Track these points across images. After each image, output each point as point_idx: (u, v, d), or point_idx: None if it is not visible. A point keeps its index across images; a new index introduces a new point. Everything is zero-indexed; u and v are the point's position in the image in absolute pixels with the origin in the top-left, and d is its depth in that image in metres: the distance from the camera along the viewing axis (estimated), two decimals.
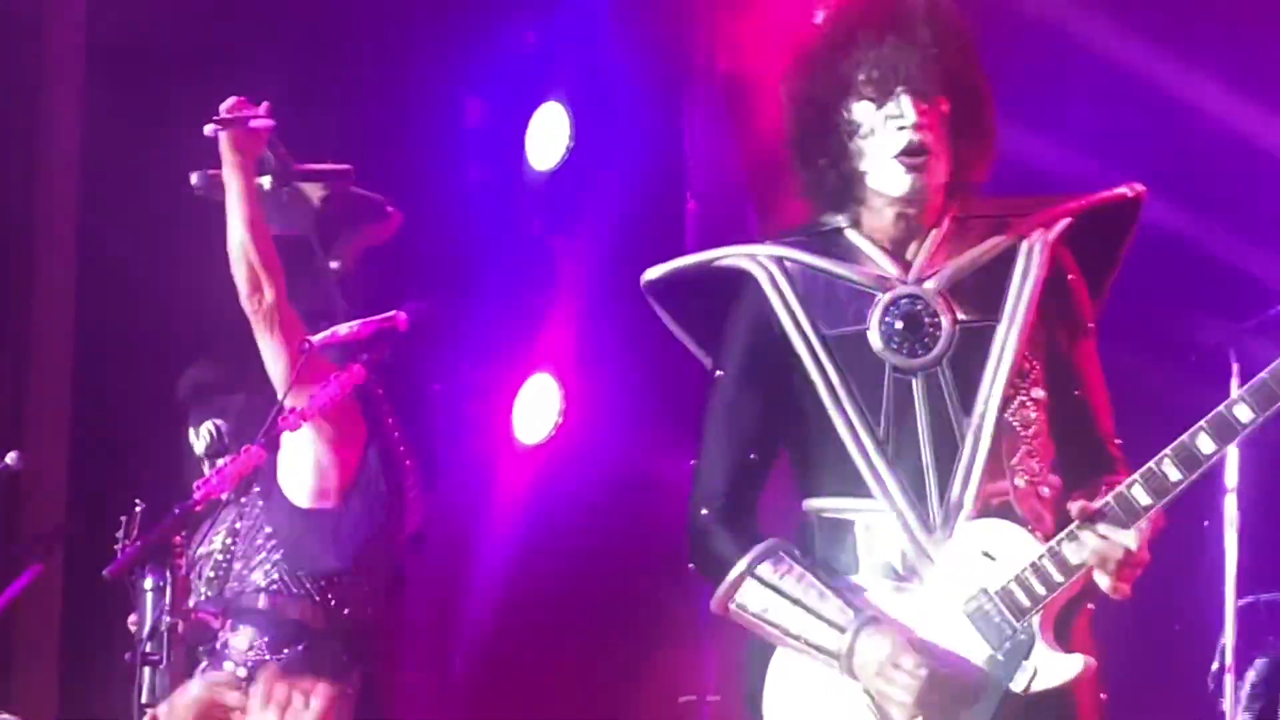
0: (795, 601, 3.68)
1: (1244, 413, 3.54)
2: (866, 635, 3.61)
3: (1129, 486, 3.56)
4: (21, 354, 7.40)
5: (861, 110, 3.78)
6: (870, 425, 3.73)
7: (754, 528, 3.82)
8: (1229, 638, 5.77)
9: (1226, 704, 5.78)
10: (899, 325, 3.77)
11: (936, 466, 3.69)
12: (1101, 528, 3.55)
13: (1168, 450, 3.55)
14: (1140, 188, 3.91)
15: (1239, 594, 5.81)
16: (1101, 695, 3.75)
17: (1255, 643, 6.23)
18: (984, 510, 3.68)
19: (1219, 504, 5.84)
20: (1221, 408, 3.55)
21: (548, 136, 7.74)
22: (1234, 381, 5.53)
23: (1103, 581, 3.59)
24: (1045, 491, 3.72)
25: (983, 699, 3.56)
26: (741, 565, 3.73)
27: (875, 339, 3.78)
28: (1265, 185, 6.49)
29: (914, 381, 3.75)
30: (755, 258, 3.89)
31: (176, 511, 4.17)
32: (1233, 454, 5.61)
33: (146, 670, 4.05)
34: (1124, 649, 4.40)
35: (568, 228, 7.75)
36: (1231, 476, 5.80)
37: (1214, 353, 5.72)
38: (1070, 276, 3.84)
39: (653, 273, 4.02)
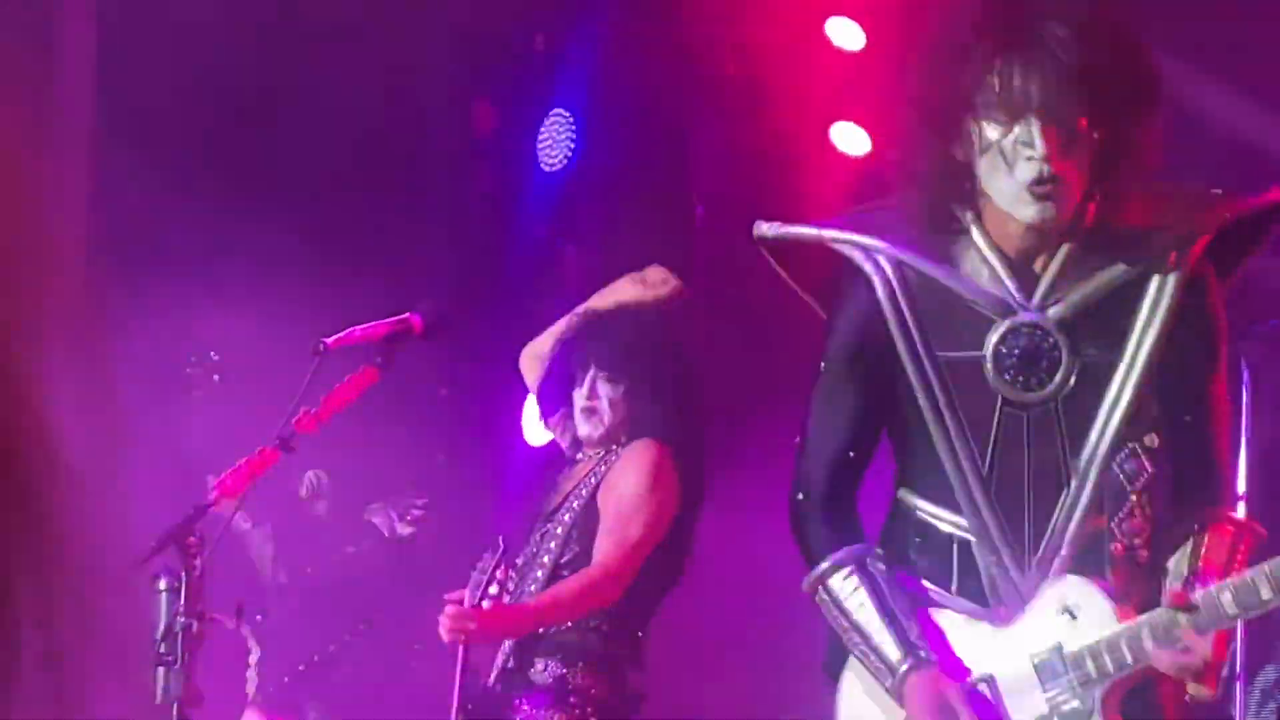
0: (855, 627, 3.65)
1: None
2: (913, 681, 3.56)
3: (1219, 592, 3.43)
4: None
5: (987, 128, 3.51)
6: (974, 457, 3.60)
7: (847, 516, 3.74)
8: (1238, 643, 5.76)
9: (1236, 709, 5.76)
10: (1016, 356, 3.59)
11: (1036, 507, 3.58)
12: (1184, 627, 3.42)
13: (1266, 566, 3.42)
14: None
15: None
16: None
17: (1266, 648, 6.23)
18: (1080, 557, 3.58)
19: None
20: None
21: (556, 141, 7.74)
22: (1244, 391, 5.52)
23: (1190, 687, 3.48)
24: (1143, 556, 3.60)
25: None
26: (819, 570, 3.69)
27: (989, 368, 3.61)
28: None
29: (1025, 417, 3.61)
30: (874, 256, 3.67)
31: (192, 511, 4.18)
32: (1243, 459, 5.60)
33: (160, 670, 4.05)
34: None
35: (575, 233, 7.75)
36: (1241, 482, 5.79)
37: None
38: (1208, 300, 3.66)
39: (765, 230, 3.79)
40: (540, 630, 5.31)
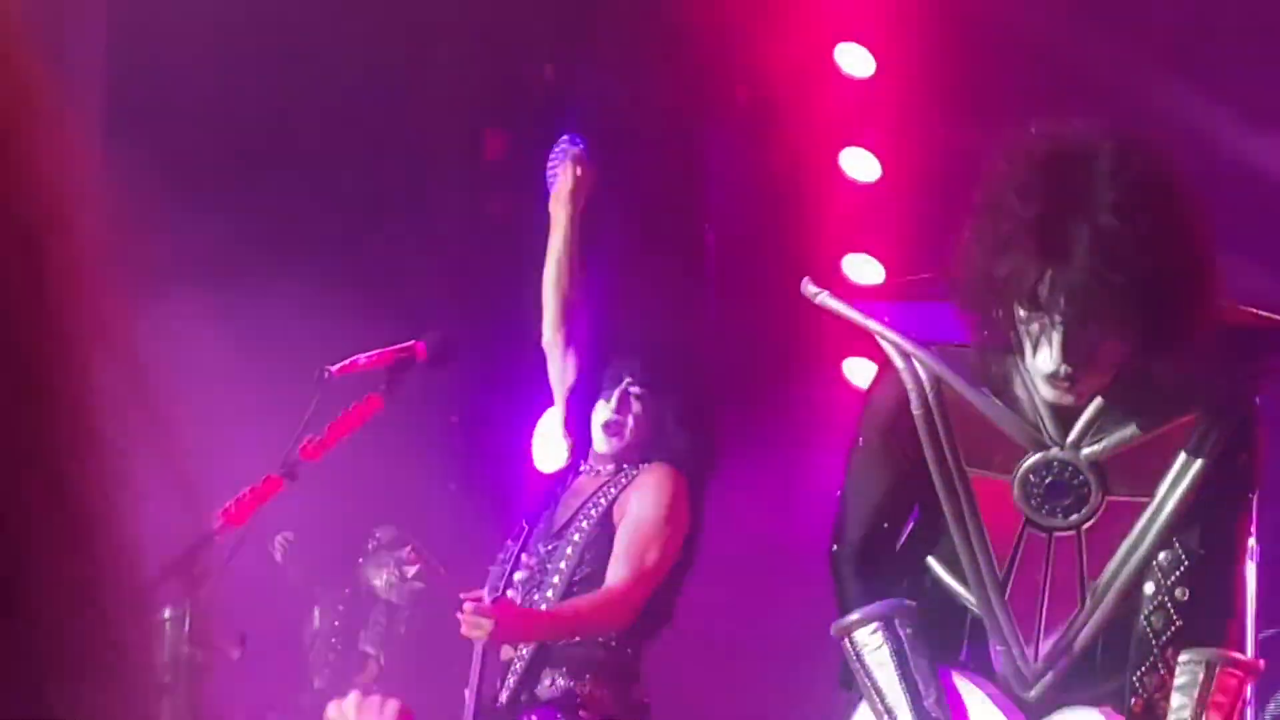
0: (873, 684, 3.72)
1: None
2: None
3: None
4: None
5: (1018, 308, 3.43)
6: (993, 565, 3.67)
7: (881, 570, 3.81)
8: None
9: None
10: (1044, 487, 3.62)
11: (1049, 615, 3.65)
12: None
13: None
14: None
15: (1258, 627, 5.76)
16: None
17: (1277, 676, 6.20)
18: (1085, 659, 3.67)
19: None
20: None
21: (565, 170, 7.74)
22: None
23: None
24: (1162, 709, 3.59)
25: None
26: (847, 620, 3.76)
27: (1016, 493, 3.64)
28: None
29: (1048, 539, 3.65)
30: (914, 366, 3.67)
31: (196, 540, 4.17)
32: None
33: (165, 701, 4.04)
34: None
35: (585, 259, 7.74)
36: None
37: None
38: (1247, 453, 3.62)
39: (811, 293, 3.78)
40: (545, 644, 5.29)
